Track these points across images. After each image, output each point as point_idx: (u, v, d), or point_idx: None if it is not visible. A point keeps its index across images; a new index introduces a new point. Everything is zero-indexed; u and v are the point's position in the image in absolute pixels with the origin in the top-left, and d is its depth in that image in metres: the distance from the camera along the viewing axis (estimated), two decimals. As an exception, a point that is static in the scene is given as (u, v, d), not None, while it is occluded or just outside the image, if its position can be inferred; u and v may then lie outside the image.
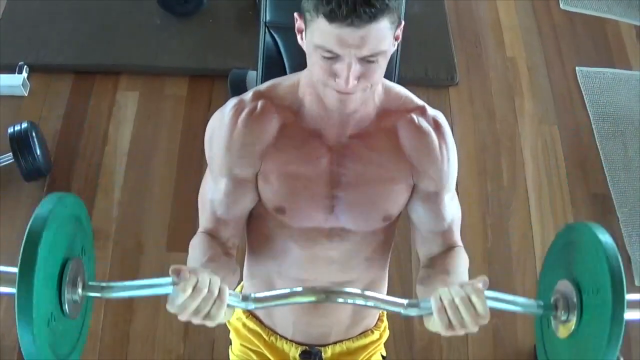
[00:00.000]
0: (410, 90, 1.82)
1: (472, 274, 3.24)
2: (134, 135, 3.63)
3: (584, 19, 4.39)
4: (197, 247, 1.77)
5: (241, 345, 2.18)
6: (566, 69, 4.13)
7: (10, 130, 3.31)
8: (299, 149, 1.70)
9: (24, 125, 3.30)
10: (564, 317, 1.49)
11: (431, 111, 1.77)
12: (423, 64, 3.92)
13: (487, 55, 4.12)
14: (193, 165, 3.46)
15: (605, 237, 1.48)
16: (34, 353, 1.35)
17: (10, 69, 3.72)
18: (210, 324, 1.50)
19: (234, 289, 1.72)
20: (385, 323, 2.23)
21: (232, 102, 1.73)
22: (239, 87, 3.59)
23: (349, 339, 2.13)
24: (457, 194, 1.92)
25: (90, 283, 1.55)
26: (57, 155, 3.53)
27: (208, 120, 1.78)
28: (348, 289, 1.56)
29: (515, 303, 1.54)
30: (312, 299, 1.54)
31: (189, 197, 3.31)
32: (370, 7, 1.40)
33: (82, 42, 3.90)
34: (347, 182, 1.71)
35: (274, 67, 2.05)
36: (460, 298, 1.48)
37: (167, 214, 3.40)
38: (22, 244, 1.39)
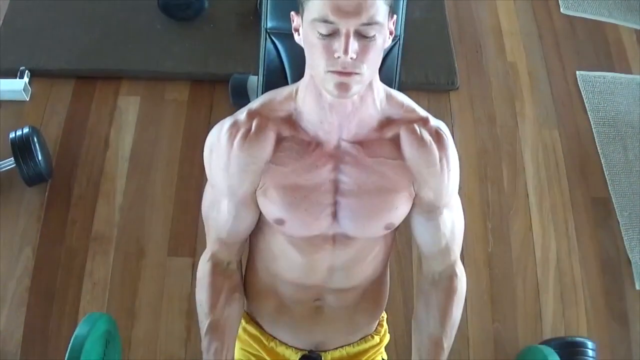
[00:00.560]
0: (411, 95, 1.83)
1: (474, 279, 3.30)
2: (135, 140, 3.63)
3: (584, 23, 4.39)
4: (203, 294, 1.90)
5: (241, 350, 2.19)
6: (567, 73, 4.13)
7: (12, 135, 3.31)
8: (298, 160, 1.71)
9: (26, 130, 3.30)
10: None
11: (434, 122, 1.77)
12: (424, 69, 3.92)
13: (487, 60, 4.12)
14: (194, 170, 3.47)
15: None
16: None
17: (12, 74, 3.71)
18: None
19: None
20: (385, 327, 2.24)
21: (227, 123, 1.75)
22: (240, 92, 3.60)
23: (349, 344, 2.14)
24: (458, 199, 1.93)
25: None
26: (59, 160, 3.53)
27: (209, 125, 1.82)
28: None
29: None
30: None
31: (190, 202, 3.34)
32: None
33: (83, 47, 3.89)
34: (349, 189, 1.72)
35: (275, 73, 2.05)
36: None
37: (168, 219, 3.40)
38: None
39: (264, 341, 2.14)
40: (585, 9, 4.45)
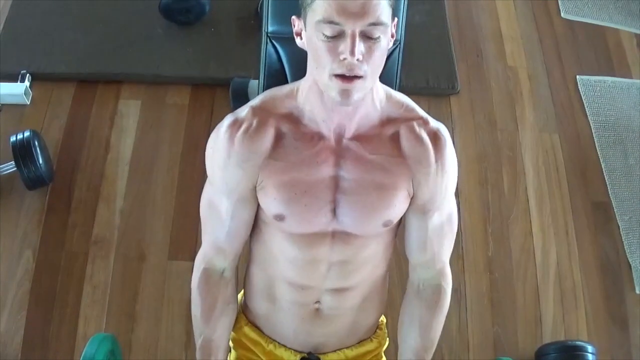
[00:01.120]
0: (412, 99, 1.84)
1: (474, 283, 3.31)
2: (136, 143, 3.64)
3: (584, 27, 4.40)
4: (198, 308, 1.97)
5: (241, 353, 2.19)
6: (567, 78, 4.14)
7: (13, 138, 3.31)
8: (298, 154, 1.72)
9: (27, 133, 3.31)
10: None
11: (434, 124, 1.79)
12: (424, 73, 3.93)
13: (488, 64, 4.13)
14: (195, 174, 3.47)
15: None
16: None
17: (13, 78, 3.71)
18: None
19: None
20: (385, 331, 2.24)
21: (228, 120, 1.76)
22: (240, 96, 3.60)
23: (348, 347, 2.14)
24: (458, 203, 1.93)
25: None
26: (59, 164, 3.53)
27: (210, 129, 1.83)
28: None
29: None
30: None
31: (190, 205, 3.34)
32: None
33: (84, 51, 3.90)
34: (349, 185, 1.73)
35: (276, 77, 2.05)
36: None
37: (169, 223, 3.40)
38: None
39: (263, 344, 2.14)
40: (585, 14, 4.45)
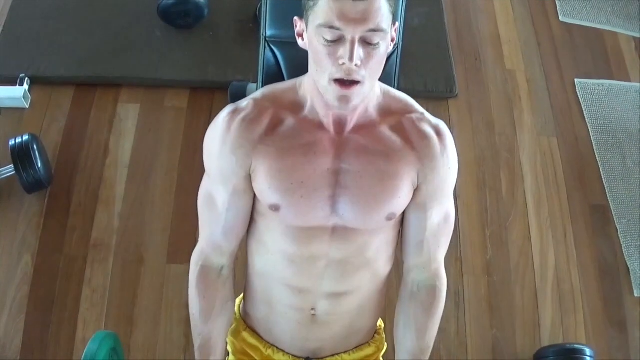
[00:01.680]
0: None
1: (472, 286, 3.31)
2: (134, 147, 3.64)
3: (582, 31, 4.41)
4: (196, 307, 1.96)
5: (239, 358, 2.19)
6: (565, 81, 4.15)
7: (12, 142, 3.31)
8: (293, 141, 1.73)
9: (25, 137, 3.31)
10: None
11: (434, 119, 1.79)
12: (423, 77, 3.93)
13: (486, 67, 4.14)
14: (194, 177, 3.44)
15: None
16: None
17: (12, 81, 3.72)
18: None
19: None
20: (383, 336, 2.24)
21: (227, 109, 1.78)
22: (239, 99, 3.59)
23: (346, 352, 2.14)
24: (457, 206, 1.93)
25: None
26: (58, 167, 3.54)
27: (208, 132, 1.84)
28: None
29: None
30: None
31: (189, 209, 3.33)
32: None
33: (83, 55, 3.90)
34: (351, 177, 1.72)
35: (274, 81, 2.05)
36: None
37: (167, 226, 3.40)
38: None
39: (261, 349, 2.14)
40: (583, 17, 4.46)
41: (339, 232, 1.80)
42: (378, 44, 1.54)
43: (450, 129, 1.82)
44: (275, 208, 1.76)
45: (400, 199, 1.77)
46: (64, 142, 3.63)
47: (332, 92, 1.57)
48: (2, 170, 3.39)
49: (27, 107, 3.71)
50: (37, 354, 3.06)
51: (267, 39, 2.12)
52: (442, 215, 1.87)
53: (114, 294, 3.22)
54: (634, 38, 4.39)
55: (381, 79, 1.77)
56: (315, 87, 1.68)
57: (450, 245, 1.98)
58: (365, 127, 1.74)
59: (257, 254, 1.96)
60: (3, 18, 4.02)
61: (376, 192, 1.73)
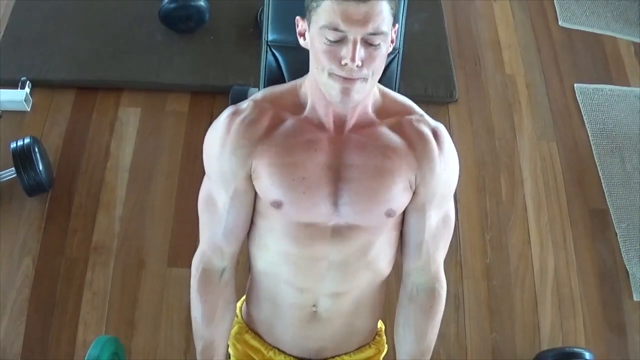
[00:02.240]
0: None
1: (472, 290, 3.32)
2: (135, 151, 3.65)
3: (582, 35, 4.42)
4: (198, 311, 1.96)
5: (240, 359, 2.19)
6: (565, 86, 4.15)
7: (13, 145, 3.32)
8: (293, 139, 1.74)
9: (27, 140, 3.32)
10: None
11: (432, 122, 1.82)
12: (423, 82, 3.94)
13: (486, 72, 4.15)
14: (194, 181, 3.45)
15: None
16: None
17: (13, 85, 3.73)
18: None
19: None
20: (384, 338, 2.25)
21: (228, 111, 1.81)
22: None
23: (346, 353, 2.15)
24: (457, 210, 1.94)
25: None
26: (59, 171, 3.54)
27: (209, 135, 1.85)
28: None
29: None
30: None
31: (190, 212, 3.32)
32: None
33: (84, 58, 3.92)
34: (351, 173, 1.74)
35: (275, 84, 2.07)
36: None
37: (168, 230, 3.41)
38: None
39: (263, 350, 2.14)
40: (583, 22, 4.47)
41: (339, 231, 1.81)
42: (379, 44, 1.58)
43: (450, 133, 1.83)
44: (277, 205, 1.77)
45: (399, 197, 1.78)
46: (65, 146, 3.64)
47: (334, 84, 1.60)
48: (4, 173, 3.39)
49: (29, 110, 3.72)
50: (38, 357, 3.06)
51: (269, 43, 2.13)
52: (441, 217, 1.89)
53: (115, 297, 3.23)
54: (634, 43, 4.41)
55: (382, 84, 1.79)
56: (315, 87, 1.71)
57: (450, 249, 1.99)
58: (364, 126, 1.76)
59: (259, 256, 1.97)
60: (4, 22, 4.03)
61: (374, 187, 1.75)
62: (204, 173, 1.88)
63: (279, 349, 2.13)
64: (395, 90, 2.14)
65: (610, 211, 3.68)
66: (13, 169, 3.32)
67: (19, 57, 3.89)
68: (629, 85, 4.20)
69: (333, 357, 2.14)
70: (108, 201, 3.49)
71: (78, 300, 3.20)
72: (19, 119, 3.70)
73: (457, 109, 3.95)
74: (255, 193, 1.82)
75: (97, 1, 4.17)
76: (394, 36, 1.66)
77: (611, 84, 4.20)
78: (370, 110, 1.77)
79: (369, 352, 2.18)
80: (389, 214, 1.79)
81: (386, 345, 2.25)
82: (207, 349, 1.97)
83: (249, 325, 2.17)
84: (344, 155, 1.74)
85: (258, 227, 1.91)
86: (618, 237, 3.59)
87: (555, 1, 4.55)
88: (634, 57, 4.34)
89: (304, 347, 2.09)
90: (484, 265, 3.44)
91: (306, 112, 1.76)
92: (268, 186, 1.76)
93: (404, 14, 2.12)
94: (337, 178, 1.74)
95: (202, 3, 3.95)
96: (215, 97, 3.85)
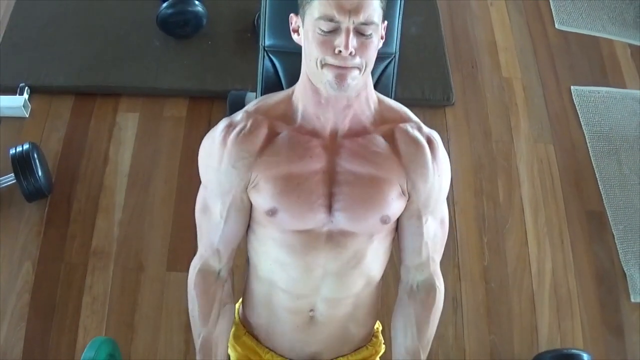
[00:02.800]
0: (407, 110, 1.89)
1: (470, 292, 3.32)
2: (134, 156, 3.66)
3: (579, 38, 4.43)
4: (196, 308, 1.96)
5: (239, 362, 2.21)
6: (561, 88, 4.17)
7: (12, 151, 3.33)
8: (291, 150, 1.77)
9: (26, 146, 3.33)
10: None
11: (426, 129, 1.84)
12: (420, 85, 3.95)
13: (483, 75, 4.16)
14: (192, 185, 3.44)
15: None
16: None
17: (12, 91, 3.74)
18: None
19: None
20: (381, 339, 2.26)
21: (223, 124, 1.83)
22: (237, 109, 3.54)
23: (344, 355, 2.16)
24: (454, 213, 1.96)
25: None
26: (58, 176, 3.56)
27: (206, 141, 1.87)
28: None
29: None
30: None
31: (188, 217, 3.32)
32: None
33: (82, 64, 3.93)
34: (344, 180, 1.77)
35: (273, 90, 2.07)
36: None
37: (167, 234, 3.42)
38: None
39: (261, 353, 2.15)
40: (579, 24, 4.48)
41: (334, 238, 1.83)
42: (371, 34, 1.64)
43: (447, 136, 1.86)
44: (272, 213, 1.78)
45: (393, 203, 1.80)
46: (64, 151, 3.65)
47: (328, 72, 1.65)
48: (3, 179, 3.41)
49: (27, 116, 3.73)
50: (38, 362, 3.08)
51: (266, 48, 2.14)
52: (437, 221, 1.91)
53: (114, 301, 3.24)
54: (630, 45, 4.41)
55: (378, 88, 1.81)
56: (306, 91, 1.76)
57: (447, 251, 2.01)
58: (358, 133, 1.79)
59: (256, 262, 1.99)
60: (3, 27, 4.04)
61: (369, 194, 1.77)
62: (201, 177, 1.90)
63: (276, 353, 2.14)
64: (392, 94, 2.16)
65: (608, 213, 3.68)
66: (12, 174, 3.33)
67: (18, 63, 3.90)
68: (625, 88, 4.21)
69: (331, 359, 2.15)
70: (107, 206, 3.50)
71: (78, 305, 3.21)
72: (18, 125, 3.71)
73: (454, 111, 3.96)
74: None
75: (95, 7, 4.18)
76: (384, 32, 1.72)
77: (608, 86, 4.21)
78: (365, 116, 1.79)
79: (365, 353, 2.19)
80: (384, 220, 1.81)
81: (383, 346, 2.26)
82: (206, 345, 1.96)
83: (247, 329, 2.18)
84: (337, 162, 1.77)
85: (256, 235, 1.93)
86: (615, 238, 3.60)
87: (551, 3, 4.56)
88: (631, 59, 4.35)
89: (301, 351, 2.10)
90: (482, 267, 3.45)
91: (299, 120, 1.79)
92: (263, 195, 1.78)
93: (400, 17, 2.13)
94: (331, 184, 1.76)
95: (199, 8, 3.96)
96: (213, 101, 3.86)
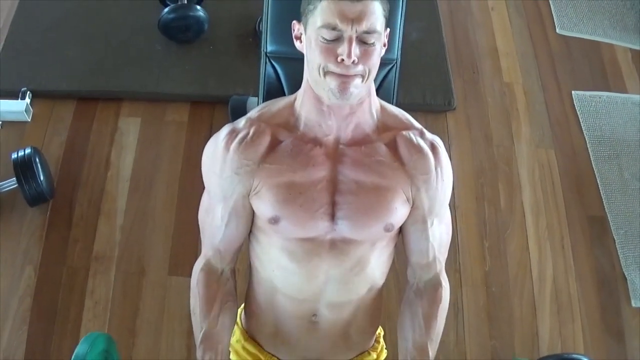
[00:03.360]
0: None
1: (471, 297, 3.32)
2: (135, 160, 3.66)
3: (580, 43, 4.44)
4: (197, 303, 1.93)
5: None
6: (562, 93, 4.17)
7: (14, 155, 3.33)
8: (293, 158, 1.77)
9: (28, 150, 3.33)
10: None
11: (429, 135, 1.84)
12: (421, 90, 3.96)
13: (484, 80, 4.16)
14: (194, 190, 3.45)
15: None
16: None
17: (13, 95, 3.75)
18: None
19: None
20: (382, 344, 2.26)
21: (225, 130, 1.83)
22: (239, 113, 3.55)
23: (346, 360, 2.16)
24: (455, 217, 1.96)
25: None
26: (60, 180, 3.56)
27: (207, 146, 1.88)
28: None
29: None
30: None
31: (190, 221, 3.34)
32: None
33: (84, 69, 3.93)
34: (347, 188, 1.77)
35: (275, 96, 2.08)
36: None
37: (168, 239, 3.42)
38: None
39: (263, 359, 2.16)
40: (580, 29, 4.49)
41: (336, 246, 1.83)
42: (373, 43, 1.64)
43: (448, 141, 1.86)
44: (274, 221, 1.79)
45: (396, 211, 1.81)
46: (66, 156, 3.65)
47: (331, 81, 1.65)
48: (5, 184, 3.41)
49: (29, 120, 3.73)
50: (40, 366, 3.08)
51: (268, 54, 2.15)
52: (442, 224, 1.92)
53: (116, 305, 3.24)
54: (631, 50, 4.42)
55: (380, 94, 1.81)
56: (309, 96, 1.76)
57: (449, 256, 2.02)
58: (360, 141, 1.79)
59: (258, 267, 1.99)
60: (4, 32, 4.05)
61: (372, 203, 1.78)
62: (203, 182, 1.91)
63: (278, 358, 2.14)
64: (393, 100, 2.16)
65: (609, 218, 3.69)
66: (14, 179, 3.33)
67: (20, 67, 3.91)
68: (626, 92, 4.22)
69: (332, 364, 2.15)
70: (109, 210, 3.50)
71: (79, 309, 3.21)
72: (20, 129, 3.71)
73: (456, 117, 3.96)
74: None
75: (97, 12, 4.18)
76: (386, 40, 1.72)
77: (609, 91, 4.21)
78: (367, 124, 1.80)
79: (368, 358, 2.19)
80: (388, 228, 1.82)
81: (385, 351, 2.26)
82: (207, 340, 1.88)
83: (248, 333, 2.18)
84: (340, 170, 1.77)
85: (259, 241, 1.93)
86: (616, 243, 3.60)
87: (552, 9, 4.56)
88: (632, 64, 4.36)
89: (304, 356, 2.10)
90: (483, 272, 3.46)
91: (302, 127, 1.79)
92: (265, 203, 1.78)
93: (402, 23, 2.14)
94: (334, 192, 1.77)
95: (201, 13, 3.97)
96: (214, 106, 3.86)
